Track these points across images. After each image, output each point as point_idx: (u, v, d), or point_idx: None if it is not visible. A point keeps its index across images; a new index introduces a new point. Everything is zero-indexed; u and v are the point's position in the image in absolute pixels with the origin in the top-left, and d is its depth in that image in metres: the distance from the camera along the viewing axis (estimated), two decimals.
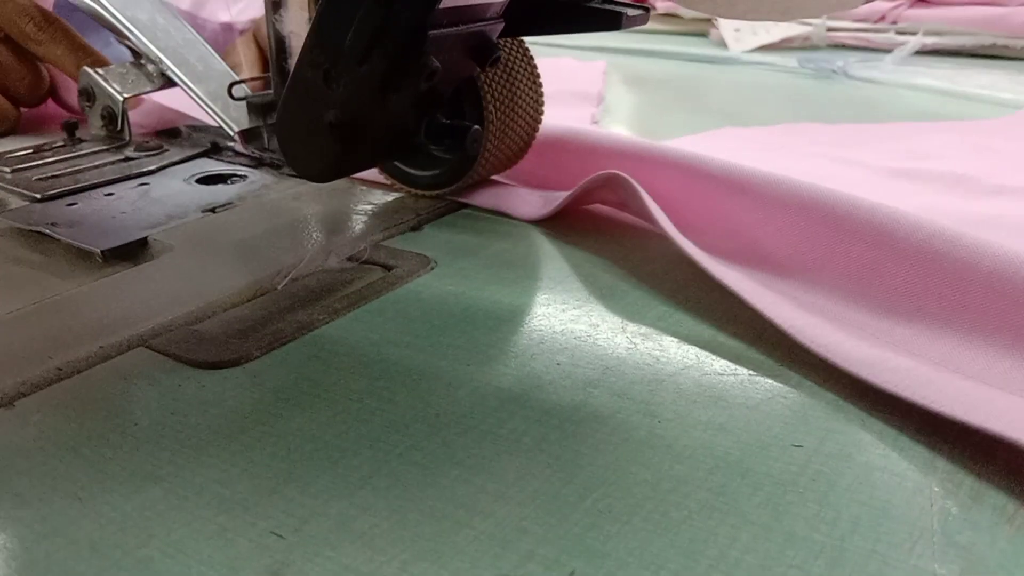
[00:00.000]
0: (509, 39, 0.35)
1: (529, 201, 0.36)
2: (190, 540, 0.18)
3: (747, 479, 0.19)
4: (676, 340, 0.26)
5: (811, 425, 0.21)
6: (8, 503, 0.19)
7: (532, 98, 0.36)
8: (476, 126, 0.33)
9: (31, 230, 0.34)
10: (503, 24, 0.32)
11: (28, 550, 0.18)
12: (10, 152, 0.43)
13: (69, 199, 0.37)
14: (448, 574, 0.17)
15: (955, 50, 0.76)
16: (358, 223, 0.35)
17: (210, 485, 0.20)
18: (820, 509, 0.19)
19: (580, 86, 0.63)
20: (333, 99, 0.30)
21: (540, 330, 0.27)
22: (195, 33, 0.47)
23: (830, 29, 0.79)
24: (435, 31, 0.29)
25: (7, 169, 0.41)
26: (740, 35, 0.77)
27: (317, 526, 0.18)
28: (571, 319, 0.27)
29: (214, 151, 0.43)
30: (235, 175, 0.40)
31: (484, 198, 0.37)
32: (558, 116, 0.51)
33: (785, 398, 0.23)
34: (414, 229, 0.35)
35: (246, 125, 0.42)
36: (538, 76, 0.36)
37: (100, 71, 0.44)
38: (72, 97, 0.50)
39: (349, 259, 0.32)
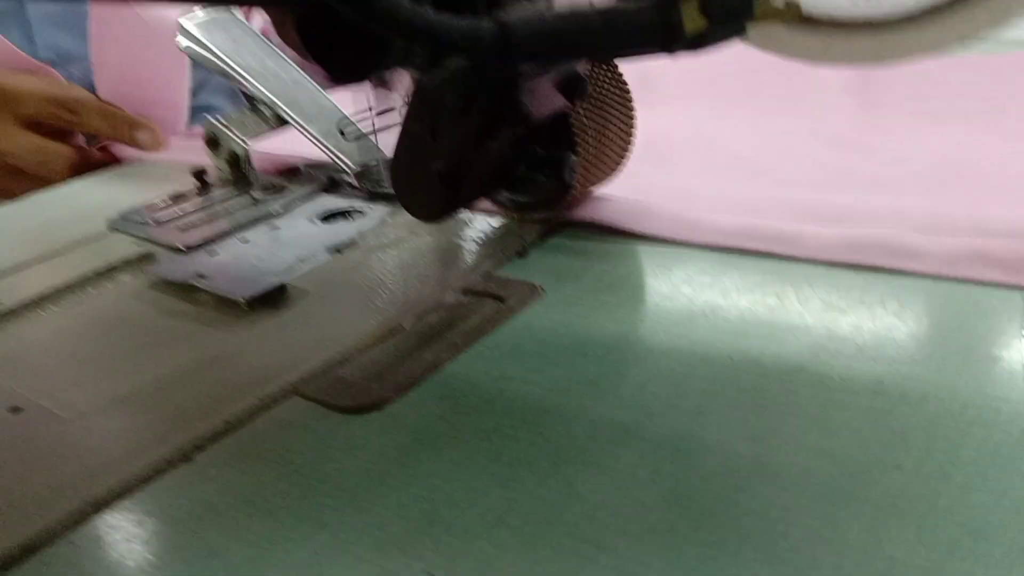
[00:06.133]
0: (601, 67, 0.37)
1: (619, 209, 0.38)
2: None
3: (850, 505, 0.21)
4: (778, 361, 0.27)
5: (910, 445, 0.23)
6: (203, 554, 0.23)
7: (624, 123, 0.37)
8: (572, 156, 0.35)
9: (181, 282, 0.38)
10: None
11: None
12: (152, 203, 0.48)
13: (210, 248, 0.41)
14: None
15: None
16: (468, 253, 0.38)
17: (368, 528, 0.23)
18: (919, 532, 0.20)
19: None
20: (439, 150, 0.33)
21: (644, 358, 0.29)
22: (301, 72, 0.50)
23: None
24: (526, 80, 0.31)
25: (151, 221, 0.45)
26: None
27: (464, 564, 0.21)
28: (672, 344, 0.29)
29: (332, 186, 0.47)
30: (353, 210, 0.44)
31: (583, 212, 0.39)
32: None
33: (885, 419, 0.24)
34: (520, 255, 0.37)
35: (360, 161, 0.45)
36: (630, 98, 0.37)
37: (222, 119, 0.48)
38: (120, 150, 0.62)
39: (464, 292, 0.34)
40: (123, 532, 0.24)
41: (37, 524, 0.24)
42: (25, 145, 0.60)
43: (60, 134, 0.62)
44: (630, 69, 0.37)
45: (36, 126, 0.61)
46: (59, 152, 0.60)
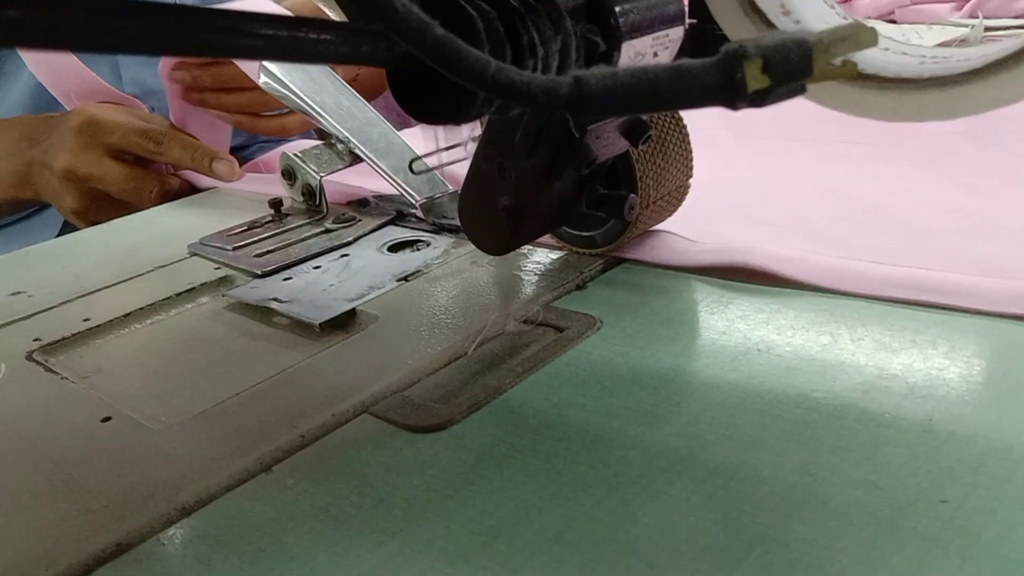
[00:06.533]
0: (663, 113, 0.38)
1: (677, 249, 0.39)
2: None
3: (895, 535, 0.22)
4: (829, 397, 0.28)
5: (957, 481, 0.24)
6: (282, 557, 0.24)
7: (683, 164, 0.39)
8: (632, 195, 0.37)
9: (258, 305, 0.41)
10: None
11: None
12: (230, 230, 0.50)
13: (284, 274, 0.44)
14: None
15: None
16: (529, 285, 0.39)
17: (436, 540, 0.24)
18: (962, 564, 0.21)
19: None
20: (506, 187, 0.34)
21: (699, 390, 0.30)
22: (374, 111, 0.53)
23: (988, 29, 0.77)
24: (592, 125, 0.32)
25: (229, 247, 0.48)
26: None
27: None
28: (726, 378, 0.30)
29: (399, 218, 0.49)
30: (419, 241, 0.46)
31: (640, 252, 0.40)
32: None
33: (933, 455, 0.25)
34: (579, 288, 0.39)
35: (426, 194, 0.47)
36: (688, 141, 0.39)
37: (299, 154, 0.51)
38: (197, 179, 0.67)
39: (525, 322, 0.36)
40: (208, 535, 0.26)
41: (129, 525, 0.26)
42: (116, 172, 0.63)
43: (142, 163, 0.65)
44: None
45: (121, 155, 0.64)
46: (148, 178, 0.64)
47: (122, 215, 0.61)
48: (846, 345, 0.31)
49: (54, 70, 0.66)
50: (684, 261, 0.39)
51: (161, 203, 0.63)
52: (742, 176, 0.49)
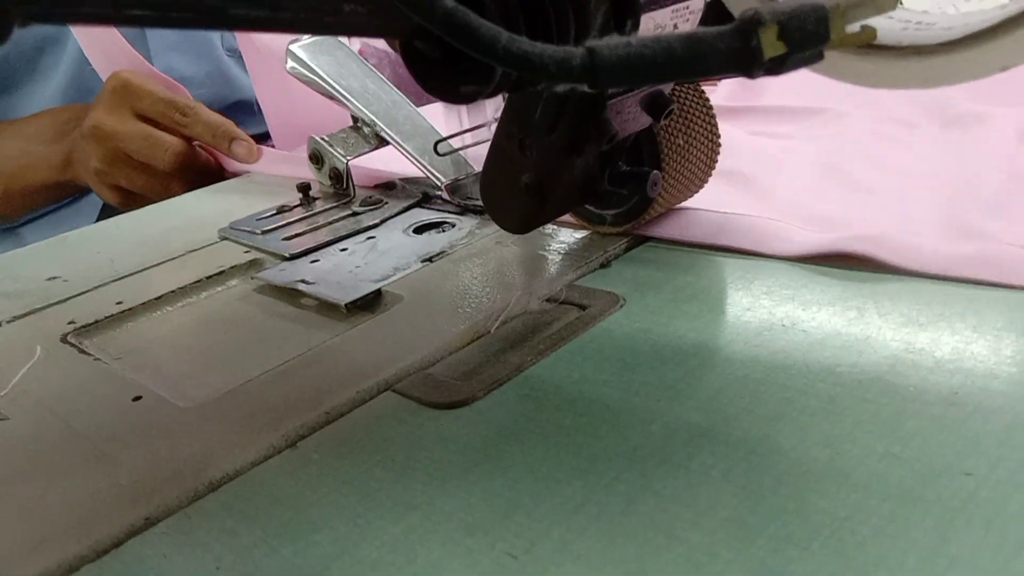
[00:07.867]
0: (687, 86, 0.38)
1: (702, 225, 0.39)
2: (446, 560, 0.23)
3: (918, 506, 0.22)
4: (854, 372, 0.28)
5: (982, 453, 0.23)
6: (306, 529, 0.25)
7: (708, 140, 0.38)
8: (655, 171, 0.37)
9: (286, 287, 0.41)
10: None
11: (325, 569, 0.23)
12: (259, 214, 0.51)
13: (312, 256, 0.44)
14: None
15: None
16: (553, 264, 0.39)
17: (456, 512, 0.24)
18: (986, 534, 0.21)
19: None
20: (527, 164, 0.34)
21: (722, 365, 0.30)
22: (400, 94, 0.53)
23: None
24: (613, 99, 0.32)
25: (258, 231, 0.48)
26: None
27: (543, 548, 0.23)
28: (750, 353, 0.30)
29: (425, 200, 0.49)
30: (445, 222, 0.46)
31: (663, 229, 0.40)
32: None
33: (958, 428, 0.24)
34: (603, 266, 0.39)
35: (452, 176, 0.47)
36: (713, 118, 0.38)
37: (325, 138, 0.51)
38: (228, 163, 0.67)
39: (548, 300, 0.36)
40: (235, 508, 0.26)
41: (158, 499, 0.27)
42: (135, 130, 0.65)
43: (169, 132, 0.67)
44: None
45: (149, 122, 0.66)
46: (166, 140, 0.65)
47: (141, 180, 0.63)
48: (872, 319, 0.31)
49: (103, 51, 0.68)
50: (713, 239, 0.38)
51: (178, 168, 0.64)
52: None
